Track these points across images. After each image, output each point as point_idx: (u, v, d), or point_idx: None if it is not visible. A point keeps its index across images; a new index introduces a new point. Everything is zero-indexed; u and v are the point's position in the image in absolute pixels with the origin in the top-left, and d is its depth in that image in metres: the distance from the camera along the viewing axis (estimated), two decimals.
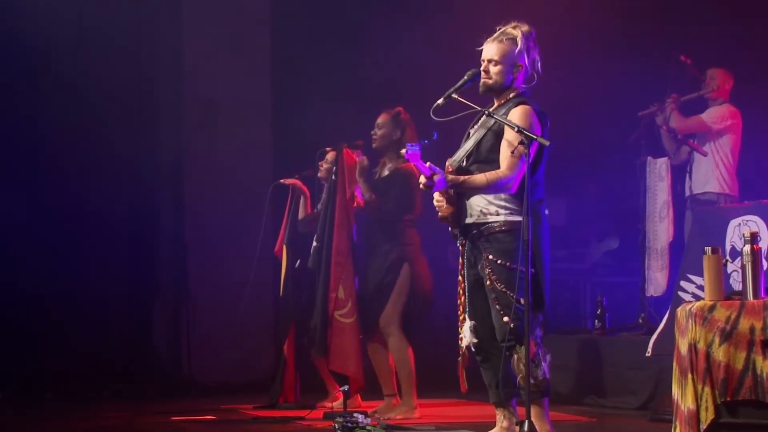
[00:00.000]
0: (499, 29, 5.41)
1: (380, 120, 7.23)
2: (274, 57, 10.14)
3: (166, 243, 10.01)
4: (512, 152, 5.14)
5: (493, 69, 5.36)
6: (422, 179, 5.17)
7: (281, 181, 8.06)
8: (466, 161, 5.32)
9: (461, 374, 5.46)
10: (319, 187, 7.91)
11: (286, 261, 7.89)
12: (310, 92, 9.65)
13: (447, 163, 5.32)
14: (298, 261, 7.81)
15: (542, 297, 5.27)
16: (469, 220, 5.32)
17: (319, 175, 7.88)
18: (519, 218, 5.19)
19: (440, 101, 5.31)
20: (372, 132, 7.24)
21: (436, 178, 5.14)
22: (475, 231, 5.30)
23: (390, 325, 7.11)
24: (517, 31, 5.36)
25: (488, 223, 5.27)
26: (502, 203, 5.24)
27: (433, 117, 5.26)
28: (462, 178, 5.22)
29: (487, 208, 5.27)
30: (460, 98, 5.31)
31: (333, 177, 7.31)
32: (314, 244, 7.50)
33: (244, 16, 9.99)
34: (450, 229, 5.41)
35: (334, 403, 7.24)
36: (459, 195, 5.31)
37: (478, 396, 7.80)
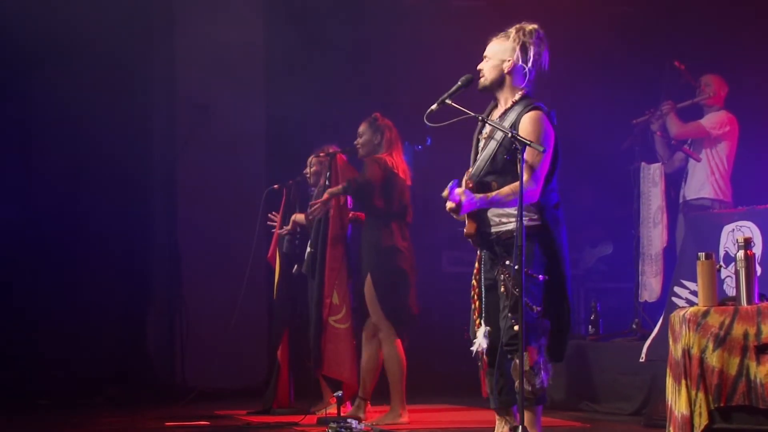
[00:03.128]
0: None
1: (360, 129, 7.31)
2: (267, 62, 10.14)
3: (160, 248, 10.00)
4: (525, 160, 5.09)
5: (485, 66, 5.33)
6: (449, 204, 5.08)
7: (274, 186, 8.06)
8: (483, 174, 5.28)
9: (483, 379, 5.42)
10: (306, 194, 7.92)
11: (280, 266, 7.88)
12: (304, 97, 9.65)
13: (465, 179, 5.25)
14: (295, 267, 7.80)
15: (561, 305, 5.20)
16: (488, 229, 5.28)
17: (309, 181, 7.90)
18: (537, 223, 5.16)
19: (434, 107, 5.27)
20: (355, 142, 7.29)
21: (464, 199, 5.06)
22: (494, 238, 5.27)
23: (379, 332, 7.11)
24: (513, 29, 5.31)
25: (507, 230, 5.23)
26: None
27: (427, 123, 5.23)
28: (490, 195, 5.14)
29: (505, 215, 5.23)
30: (454, 104, 5.29)
31: (327, 183, 7.31)
32: (308, 249, 7.50)
33: (236, 21, 9.99)
34: (471, 240, 5.35)
35: (328, 408, 7.25)
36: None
37: (470, 402, 7.83)
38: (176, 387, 9.41)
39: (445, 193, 5.12)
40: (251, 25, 10.13)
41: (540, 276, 5.11)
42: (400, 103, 8.78)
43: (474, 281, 5.39)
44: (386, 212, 7.10)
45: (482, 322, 5.31)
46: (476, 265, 5.38)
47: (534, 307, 5.06)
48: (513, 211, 5.16)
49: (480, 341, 5.29)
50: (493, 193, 5.14)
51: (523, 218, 5.04)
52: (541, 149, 5.04)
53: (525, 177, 5.08)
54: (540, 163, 5.10)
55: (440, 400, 8.45)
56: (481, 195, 5.13)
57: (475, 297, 5.37)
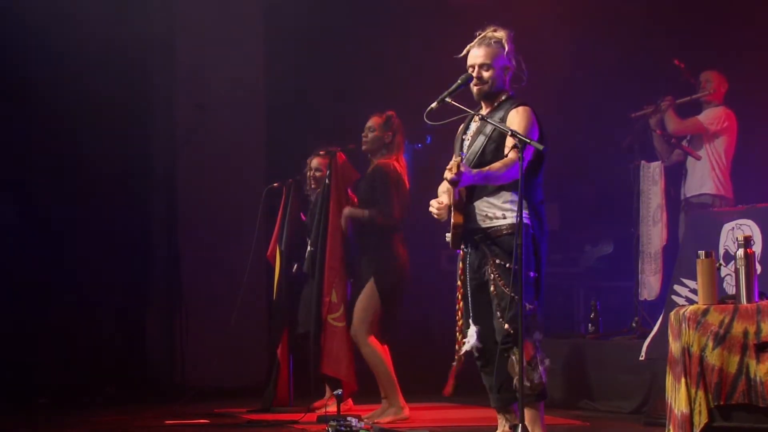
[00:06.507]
0: (479, 34, 5.42)
1: (371, 123, 7.17)
2: (267, 62, 10.13)
3: (160, 248, 10.00)
4: (506, 155, 5.14)
5: (486, 74, 5.36)
6: (448, 174, 5.01)
7: (274, 185, 8.06)
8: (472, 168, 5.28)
9: (452, 377, 5.45)
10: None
11: (279, 265, 7.88)
12: (303, 97, 9.65)
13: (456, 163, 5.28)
14: (295, 265, 7.81)
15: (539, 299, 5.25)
16: (473, 225, 5.29)
17: (311, 185, 7.87)
18: (525, 221, 5.16)
19: (434, 105, 5.29)
20: (363, 134, 7.20)
21: (463, 170, 4.99)
22: (480, 235, 5.27)
23: (357, 335, 7.09)
24: (500, 33, 5.37)
25: (494, 226, 5.24)
26: (508, 206, 5.22)
27: (427, 121, 5.25)
28: (485, 170, 5.12)
29: (492, 211, 5.25)
30: (454, 102, 5.30)
31: (327, 181, 7.31)
32: (309, 248, 7.50)
33: (236, 22, 9.99)
34: (449, 237, 5.32)
35: (328, 406, 7.25)
36: (467, 200, 5.28)
37: (468, 400, 7.83)
38: (176, 386, 9.41)
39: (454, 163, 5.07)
40: (251, 24, 10.13)
41: (531, 273, 5.14)
42: (399, 101, 8.77)
43: (459, 282, 5.39)
44: (393, 222, 7.09)
45: (471, 321, 5.33)
46: (459, 264, 5.39)
47: (526, 305, 5.07)
48: (500, 205, 5.19)
49: (471, 340, 5.31)
50: (486, 168, 5.15)
51: (513, 216, 5.09)
52: (541, 147, 5.06)
53: (501, 163, 5.09)
54: (523, 151, 5.10)
55: (439, 399, 8.44)
56: (477, 170, 5.13)
57: (459, 298, 5.38)
